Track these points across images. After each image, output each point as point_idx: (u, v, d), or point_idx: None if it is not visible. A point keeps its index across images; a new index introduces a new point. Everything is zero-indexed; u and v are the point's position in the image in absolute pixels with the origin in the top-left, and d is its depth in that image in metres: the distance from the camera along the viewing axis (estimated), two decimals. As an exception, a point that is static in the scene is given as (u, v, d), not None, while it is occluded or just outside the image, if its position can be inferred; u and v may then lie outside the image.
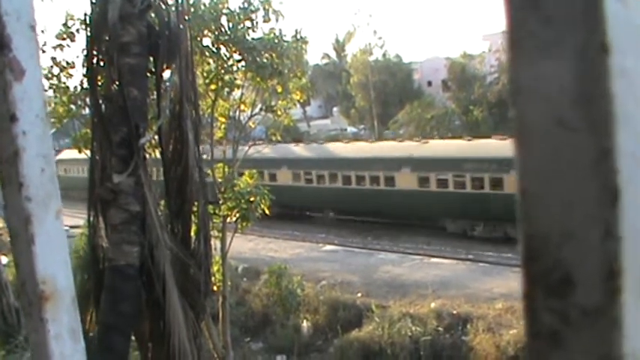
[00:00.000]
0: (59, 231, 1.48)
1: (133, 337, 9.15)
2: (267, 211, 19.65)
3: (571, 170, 0.64)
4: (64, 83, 17.61)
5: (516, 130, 0.69)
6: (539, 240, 0.67)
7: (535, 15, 0.67)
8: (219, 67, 18.39)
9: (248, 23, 18.42)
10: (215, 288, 17.35)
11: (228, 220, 19.59)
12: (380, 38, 69.87)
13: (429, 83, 71.73)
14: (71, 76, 17.53)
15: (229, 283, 21.96)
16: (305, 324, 25.41)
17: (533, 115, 0.67)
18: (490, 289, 24.99)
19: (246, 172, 20.87)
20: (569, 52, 0.65)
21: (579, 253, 0.65)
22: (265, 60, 18.60)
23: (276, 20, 18.69)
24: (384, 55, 69.77)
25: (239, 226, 19.74)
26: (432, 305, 23.43)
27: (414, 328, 22.29)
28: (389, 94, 65.24)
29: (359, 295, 25.80)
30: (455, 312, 22.90)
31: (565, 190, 0.65)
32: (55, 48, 17.10)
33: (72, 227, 23.36)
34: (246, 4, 18.54)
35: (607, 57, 0.64)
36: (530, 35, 0.67)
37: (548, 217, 0.65)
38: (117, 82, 8.44)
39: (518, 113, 0.68)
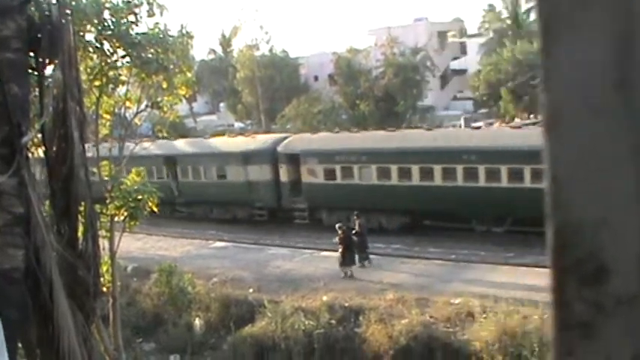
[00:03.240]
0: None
1: (20, 344, 8.83)
2: (155, 209, 19.33)
3: (607, 158, 0.61)
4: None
5: (547, 117, 0.67)
6: (572, 229, 0.66)
7: None
8: (103, 63, 17.89)
9: (131, 17, 17.98)
10: (104, 289, 16.94)
11: (116, 219, 19.17)
12: (266, 33, 69.89)
13: (316, 78, 72.19)
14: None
15: (119, 283, 21.48)
16: (197, 322, 25.17)
17: (567, 102, 0.63)
18: (380, 281, 25.37)
19: (133, 170, 20.49)
20: (608, 36, 0.61)
21: (615, 241, 0.63)
22: (150, 55, 18.22)
23: (161, 15, 18.31)
24: (270, 50, 69.93)
25: (127, 225, 19.36)
26: (324, 299, 23.58)
27: (306, 322, 22.40)
28: (276, 89, 65.39)
29: (251, 290, 25.72)
30: (347, 304, 23.12)
31: (600, 178, 0.62)
32: None
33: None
34: (129, -2, 18.13)
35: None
36: (566, 18, 0.63)
37: (582, 205, 0.63)
38: (-4, 79, 8.09)
39: (550, 100, 0.66)
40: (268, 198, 37.68)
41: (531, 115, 56.99)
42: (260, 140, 40.12)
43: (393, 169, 33.07)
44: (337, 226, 27.32)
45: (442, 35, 75.13)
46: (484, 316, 20.60)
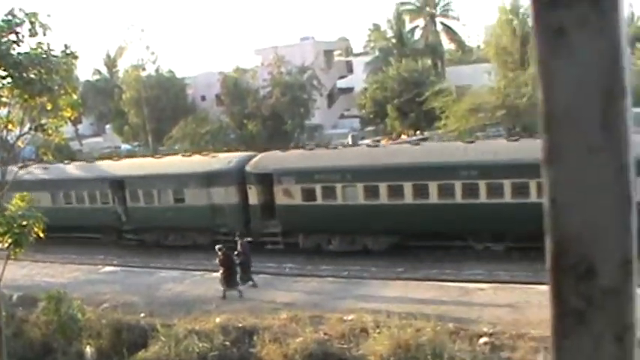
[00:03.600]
0: None
1: None
2: (41, 235, 18.70)
3: (596, 184, 0.79)
4: None
5: (548, 152, 0.84)
6: (569, 240, 0.84)
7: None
8: (-17, 84, 17.32)
9: (12, 37, 17.50)
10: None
11: (0, 246, 18.47)
12: (152, 53, 68.88)
13: (203, 98, 71.81)
14: None
15: (4, 313, 20.70)
16: (88, 349, 24.46)
17: (566, 141, 0.82)
18: (274, 300, 25.33)
19: (17, 195, 19.78)
20: (595, 96, 0.81)
21: (601, 248, 0.83)
22: (33, 76, 17.74)
23: (44, 34, 17.88)
24: (156, 70, 69.05)
25: (12, 252, 18.67)
26: (217, 320, 23.34)
27: (200, 345, 22.10)
28: (162, 109, 64.59)
29: (142, 315, 25.21)
30: (240, 325, 22.95)
31: (590, 200, 0.80)
32: None
33: None
34: (10, 17, 17.61)
35: (623, 100, 0.83)
36: (559, 74, 0.84)
37: (576, 221, 0.81)
38: None
39: (551, 139, 0.84)
40: (235, 222, 33.48)
41: (417, 132, 58.24)
42: (223, 159, 36.68)
43: (382, 187, 30.74)
44: (217, 247, 27.08)
45: (328, 54, 76.01)
46: (378, 330, 20.80)
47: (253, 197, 33.95)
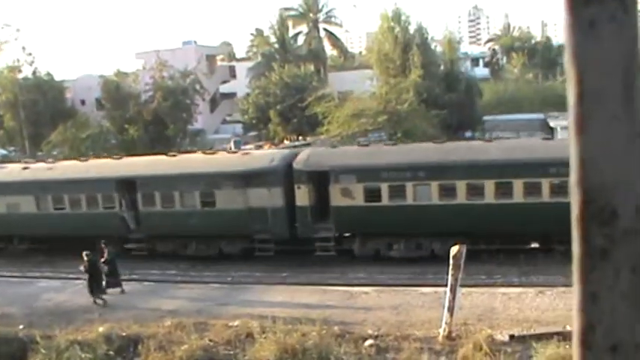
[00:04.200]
0: None
1: None
2: None
3: (617, 146, 1.00)
4: None
5: (579, 122, 1.09)
6: (595, 190, 1.03)
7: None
8: None
9: None
10: None
11: None
12: (29, 55, 66.70)
13: (83, 102, 70.22)
14: None
15: None
16: (-39, 365, 23.44)
17: (595, 112, 1.03)
18: (158, 308, 24.94)
19: None
20: (618, 77, 1.00)
21: (622, 196, 1.01)
22: None
23: None
24: (34, 72, 66.88)
25: None
26: (100, 329, 22.80)
27: (83, 355, 21.50)
28: (40, 113, 62.68)
29: (21, 327, 24.34)
30: (124, 334, 22.48)
31: (613, 157, 0.99)
32: None
33: None
34: None
35: (637, 78, 1.02)
36: (591, 59, 1.04)
37: (602, 174, 1.00)
38: None
39: (583, 111, 1.08)
40: (278, 227, 30.52)
41: (299, 137, 58.63)
42: (263, 157, 33.03)
43: (461, 185, 28.51)
44: (84, 254, 26.40)
45: (211, 59, 75.65)
46: (264, 336, 20.79)
47: (302, 198, 30.48)
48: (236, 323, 22.16)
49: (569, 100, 1.11)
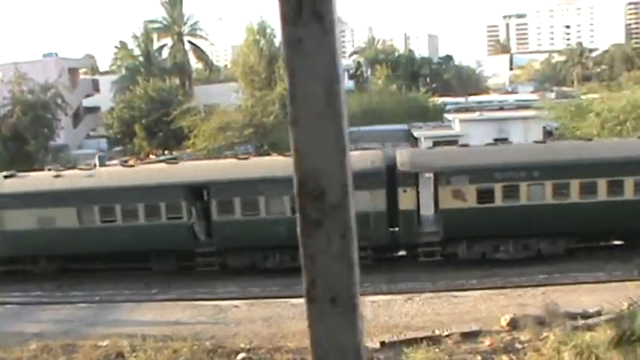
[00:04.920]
0: None
1: None
2: None
3: (323, 138, 1.30)
4: None
5: (292, 118, 1.33)
6: (307, 174, 1.31)
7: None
8: None
9: None
10: None
11: None
12: None
13: None
14: None
15: None
16: None
17: (304, 111, 1.30)
18: (22, 331, 24.06)
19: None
20: (321, 83, 1.30)
21: (329, 178, 1.31)
22: None
23: None
24: None
25: None
26: (-41, 357, 21.84)
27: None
28: None
29: None
30: (-15, 360, 21.64)
31: (321, 147, 1.30)
32: None
33: None
34: None
35: (338, 84, 1.32)
36: (299, 69, 1.31)
37: (313, 161, 1.30)
38: None
39: (294, 110, 1.33)
40: (380, 233, 28.48)
41: (165, 151, 57.96)
42: (360, 158, 29.11)
43: (574, 184, 28.24)
44: None
45: (73, 72, 73.58)
46: (134, 354, 20.46)
47: (408, 201, 28.78)
48: (105, 343, 21.70)
49: (287, 101, 1.35)
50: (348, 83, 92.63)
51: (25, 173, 33.52)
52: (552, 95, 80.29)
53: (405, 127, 57.55)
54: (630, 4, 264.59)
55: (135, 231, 29.70)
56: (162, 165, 34.35)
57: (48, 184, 30.87)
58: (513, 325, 21.09)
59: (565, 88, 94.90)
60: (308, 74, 1.27)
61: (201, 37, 76.43)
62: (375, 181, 28.14)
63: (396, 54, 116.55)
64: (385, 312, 23.23)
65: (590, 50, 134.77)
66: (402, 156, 29.86)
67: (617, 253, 28.74)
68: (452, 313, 23.01)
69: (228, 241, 29.31)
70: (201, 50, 76.69)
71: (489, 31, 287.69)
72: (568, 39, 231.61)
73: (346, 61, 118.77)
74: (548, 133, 49.75)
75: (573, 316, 21.20)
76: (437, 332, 20.89)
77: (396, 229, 29.13)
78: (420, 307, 23.61)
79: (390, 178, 28.78)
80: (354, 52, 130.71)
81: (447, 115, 60.69)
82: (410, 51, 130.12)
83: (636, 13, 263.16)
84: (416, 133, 53.03)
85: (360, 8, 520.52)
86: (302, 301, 1.39)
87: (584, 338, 18.49)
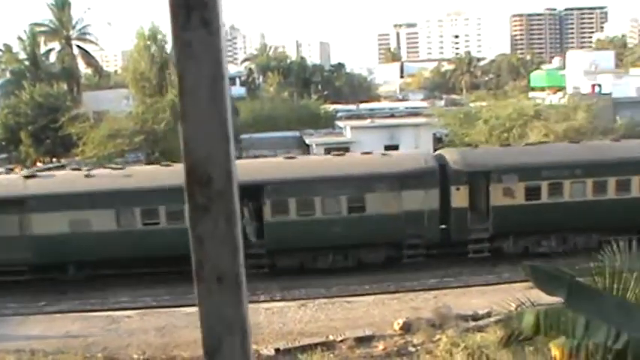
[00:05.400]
0: None
1: None
2: None
3: (209, 129, 1.40)
4: None
5: (182, 114, 1.42)
6: (195, 162, 1.40)
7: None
8: None
9: None
10: None
11: None
12: None
13: None
14: None
15: None
16: None
17: (192, 106, 1.41)
18: None
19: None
20: (207, 80, 1.42)
21: (215, 166, 1.40)
22: None
23: None
24: None
25: None
26: None
27: None
28: None
29: None
30: None
31: (207, 138, 1.40)
32: None
33: None
34: None
35: (223, 82, 1.45)
36: (188, 68, 1.42)
37: (200, 149, 1.39)
38: None
39: (184, 106, 1.43)
40: (432, 231, 29.48)
41: (53, 159, 56.37)
42: (413, 158, 31.70)
43: (611, 182, 30.36)
44: None
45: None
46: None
47: (460, 199, 29.74)
48: (-11, 360, 20.90)
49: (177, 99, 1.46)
50: (240, 90, 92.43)
51: (47, 173, 32.20)
52: (442, 103, 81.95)
53: (296, 134, 57.73)
54: (515, 16, 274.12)
55: (181, 234, 27.56)
56: None
57: (81, 185, 29.20)
58: (406, 328, 21.46)
59: (454, 96, 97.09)
60: (196, 73, 1.40)
61: (90, 41, 74.77)
62: (429, 180, 29.23)
63: (288, 61, 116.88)
64: (279, 319, 23.24)
65: (478, 59, 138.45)
66: (454, 155, 31.04)
67: (506, 256, 29.60)
68: (345, 318, 23.21)
69: (281, 242, 28.91)
70: (91, 55, 75.01)
71: (380, 40, 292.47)
72: (457, 48, 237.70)
73: (238, 68, 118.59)
74: (438, 140, 50.77)
75: (464, 318, 21.78)
76: (331, 338, 21.04)
77: (443, 226, 30.15)
78: (314, 314, 23.73)
79: (442, 177, 29.77)
80: (247, 59, 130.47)
81: (339, 122, 61.15)
82: (302, 58, 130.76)
83: (521, 25, 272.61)
84: (308, 140, 53.27)
85: (252, 15, 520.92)
86: (195, 309, 1.44)
87: (475, 339, 19.03)
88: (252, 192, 28.56)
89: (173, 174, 28.25)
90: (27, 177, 30.34)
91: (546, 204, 30.11)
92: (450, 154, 31.28)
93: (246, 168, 30.07)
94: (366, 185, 29.44)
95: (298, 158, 33.80)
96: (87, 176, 30.05)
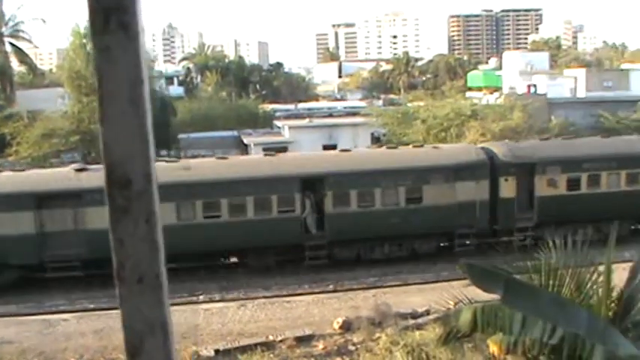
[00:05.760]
0: None
1: None
2: None
3: (128, 131, 1.40)
4: None
5: (101, 116, 1.42)
6: (115, 164, 1.41)
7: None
8: None
9: None
10: None
11: None
12: None
13: None
14: None
15: None
16: None
17: (111, 109, 1.41)
18: None
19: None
20: (126, 84, 1.41)
21: (134, 168, 1.41)
22: None
23: None
24: None
25: None
26: None
27: None
28: None
29: None
30: None
31: (126, 141, 1.40)
32: None
33: None
34: None
35: (142, 86, 1.43)
36: (107, 72, 1.42)
37: (118, 153, 1.40)
38: None
39: (103, 109, 1.42)
40: (482, 220, 30.78)
41: None
42: (463, 150, 33.17)
43: None
44: None
45: None
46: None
47: (508, 190, 31.09)
48: None
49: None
50: (178, 89, 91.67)
51: (98, 166, 30.12)
52: (380, 102, 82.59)
53: (235, 133, 57.54)
54: (452, 16, 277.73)
55: (243, 227, 28.60)
56: (271, 157, 32.53)
57: None
58: (346, 327, 21.53)
59: (392, 96, 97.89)
60: (115, 78, 1.39)
61: (23, 39, 73.15)
62: (480, 171, 30.60)
63: (227, 60, 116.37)
64: (219, 319, 23.11)
65: (416, 60, 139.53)
66: (501, 148, 32.26)
67: (444, 254, 29.96)
68: (285, 318, 23.20)
69: (342, 233, 29.49)
70: (24, 53, 73.32)
71: (319, 40, 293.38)
72: (395, 48, 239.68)
73: (176, 67, 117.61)
74: (376, 139, 51.15)
75: (404, 316, 21.94)
76: (271, 338, 21.01)
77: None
78: (254, 313, 23.66)
79: (491, 169, 31.08)
80: (185, 58, 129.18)
81: (277, 122, 61.16)
82: (240, 58, 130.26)
83: (458, 26, 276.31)
84: (246, 140, 53.12)
85: (190, 14, 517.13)
86: None
87: (415, 337, 19.18)
88: (313, 184, 29.65)
89: (237, 167, 30.50)
90: (78, 170, 29.50)
91: (586, 194, 31.93)
92: (497, 148, 32.61)
93: (306, 160, 32.21)
94: (423, 177, 30.38)
95: (355, 151, 35.26)
96: None
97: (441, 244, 31.63)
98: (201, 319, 22.76)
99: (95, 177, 28.05)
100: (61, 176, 29.39)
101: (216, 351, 20.14)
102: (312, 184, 29.64)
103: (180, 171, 29.08)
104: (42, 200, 27.50)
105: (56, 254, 27.39)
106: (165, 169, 28.48)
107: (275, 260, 29.72)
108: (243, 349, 20.05)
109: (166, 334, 1.49)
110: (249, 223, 28.57)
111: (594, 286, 10.28)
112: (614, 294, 10.17)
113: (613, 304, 10.11)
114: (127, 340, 1.50)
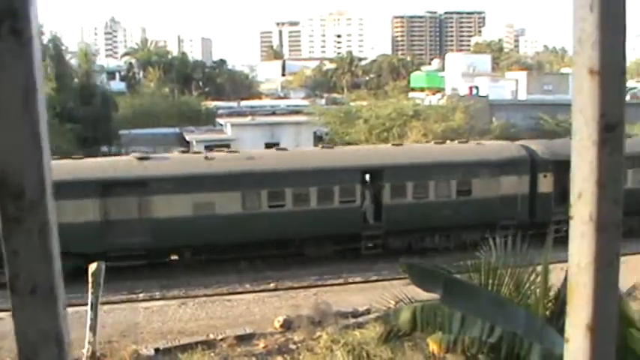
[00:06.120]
0: None
1: None
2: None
3: (22, 143, 1.30)
4: None
5: None
6: (8, 174, 1.30)
7: None
8: None
9: None
10: None
11: None
12: None
13: None
14: None
15: None
16: None
17: (2, 118, 1.29)
18: None
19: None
20: (19, 92, 1.30)
21: (28, 177, 1.30)
22: None
23: None
24: None
25: None
26: None
27: None
28: None
29: None
30: None
31: (15, 149, 1.29)
32: None
33: None
34: None
35: (36, 93, 1.33)
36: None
37: (12, 163, 1.30)
38: None
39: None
40: (523, 213, 32.13)
41: None
42: (505, 147, 34.45)
43: None
44: None
45: None
46: None
47: (547, 185, 32.53)
48: None
49: None
50: (119, 85, 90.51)
51: (160, 155, 31.80)
52: (323, 101, 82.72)
53: (177, 130, 57.09)
54: (396, 17, 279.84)
55: (306, 216, 29.36)
56: (330, 149, 33.40)
57: (205, 167, 28.72)
58: (287, 326, 21.50)
59: (335, 95, 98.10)
60: (6, 85, 1.32)
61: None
62: (522, 167, 32.28)
63: (170, 56, 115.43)
64: (159, 318, 22.85)
65: (360, 59, 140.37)
66: (539, 146, 33.61)
67: (387, 254, 30.10)
68: (226, 316, 23.06)
69: (398, 223, 30.43)
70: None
71: (263, 37, 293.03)
72: (339, 47, 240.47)
73: (118, 62, 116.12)
74: (318, 138, 51.21)
75: (344, 315, 21.99)
76: (211, 336, 20.85)
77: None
78: (194, 312, 23.47)
79: (531, 165, 32.58)
80: (127, 53, 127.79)
81: (219, 120, 60.86)
82: (183, 54, 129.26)
83: (402, 27, 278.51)
84: (188, 137, 52.73)
85: (133, 8, 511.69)
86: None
87: (355, 336, 19.21)
88: (372, 175, 31.12)
89: (300, 158, 31.90)
90: (140, 159, 29.22)
91: None
92: (536, 145, 33.98)
93: (367, 153, 33.84)
94: (473, 171, 31.90)
95: (408, 145, 37.22)
96: (206, 158, 29.95)
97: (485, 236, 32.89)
98: (142, 318, 22.48)
99: (160, 165, 28.59)
100: (124, 164, 29.33)
101: (157, 350, 19.91)
102: (371, 176, 31.15)
103: (244, 160, 29.76)
104: (106, 188, 27.20)
105: (120, 243, 27.06)
106: (230, 159, 29.74)
107: (333, 250, 30.54)
108: (184, 348, 19.86)
109: (61, 346, 1.45)
110: (312, 213, 29.43)
111: (532, 286, 10.40)
112: (552, 293, 10.29)
113: (550, 304, 10.23)
114: (21, 352, 1.45)
